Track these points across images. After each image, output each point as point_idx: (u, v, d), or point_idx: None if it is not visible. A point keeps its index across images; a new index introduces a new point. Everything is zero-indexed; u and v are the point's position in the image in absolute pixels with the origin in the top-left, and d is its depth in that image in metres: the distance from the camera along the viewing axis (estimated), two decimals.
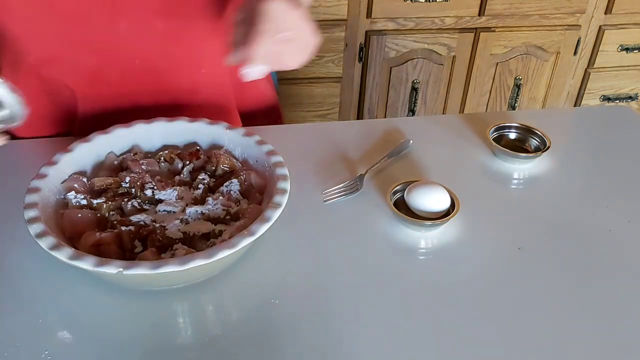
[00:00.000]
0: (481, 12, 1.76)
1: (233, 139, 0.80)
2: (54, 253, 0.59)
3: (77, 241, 0.65)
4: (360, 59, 1.80)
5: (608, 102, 2.03)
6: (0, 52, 0.85)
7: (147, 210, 0.70)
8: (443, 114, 1.94)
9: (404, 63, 1.81)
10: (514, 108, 1.95)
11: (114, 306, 0.64)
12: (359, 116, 1.92)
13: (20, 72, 0.85)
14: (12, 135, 0.64)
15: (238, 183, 0.73)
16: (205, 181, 0.74)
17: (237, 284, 0.67)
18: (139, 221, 0.67)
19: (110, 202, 0.70)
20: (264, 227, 0.62)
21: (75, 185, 0.72)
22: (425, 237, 0.74)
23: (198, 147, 0.80)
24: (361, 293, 0.66)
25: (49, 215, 0.66)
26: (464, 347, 0.60)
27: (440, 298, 0.65)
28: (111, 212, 0.69)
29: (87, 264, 0.58)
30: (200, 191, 0.72)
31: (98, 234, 0.65)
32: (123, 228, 0.65)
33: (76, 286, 0.65)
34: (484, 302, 0.65)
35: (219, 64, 0.91)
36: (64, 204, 0.70)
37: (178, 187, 0.72)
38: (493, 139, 0.87)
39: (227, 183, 0.73)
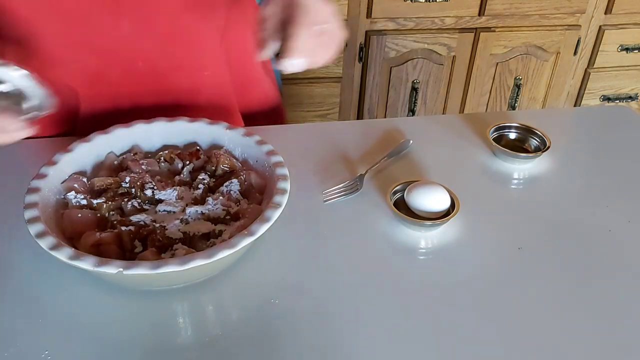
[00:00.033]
0: (481, 12, 1.76)
1: (233, 139, 0.80)
2: (54, 253, 0.59)
3: (77, 241, 0.65)
4: (360, 59, 1.80)
5: (608, 102, 2.03)
6: (3, 52, 0.85)
7: (147, 210, 0.70)
8: (443, 114, 1.94)
9: (404, 63, 1.81)
10: (514, 108, 1.95)
11: (114, 306, 0.64)
12: (359, 116, 1.92)
13: None
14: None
15: (238, 183, 0.73)
16: (205, 181, 0.74)
17: (237, 284, 0.67)
18: (139, 221, 0.67)
19: (110, 202, 0.70)
20: (264, 227, 0.62)
21: (75, 185, 0.72)
22: (425, 237, 0.74)
23: (198, 147, 0.80)
24: (361, 293, 0.66)
25: (49, 215, 0.66)
26: (464, 347, 0.60)
27: (440, 298, 0.65)
28: (111, 212, 0.70)
29: (87, 264, 0.58)
30: (200, 191, 0.72)
31: (98, 234, 0.65)
32: (123, 228, 0.65)
33: (76, 286, 0.65)
34: (484, 302, 0.65)
35: (220, 65, 0.92)
36: (64, 204, 0.70)
37: (178, 187, 0.72)
38: (493, 139, 0.87)
39: (227, 183, 0.73)
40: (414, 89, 1.86)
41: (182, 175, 0.76)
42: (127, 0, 0.80)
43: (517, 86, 1.91)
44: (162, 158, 0.78)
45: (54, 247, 0.59)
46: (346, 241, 0.73)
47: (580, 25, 1.85)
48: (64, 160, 0.73)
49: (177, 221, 0.67)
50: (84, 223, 0.67)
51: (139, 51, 0.84)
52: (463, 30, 1.78)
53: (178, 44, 0.86)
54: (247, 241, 0.61)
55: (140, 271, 0.58)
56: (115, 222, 0.67)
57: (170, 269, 0.57)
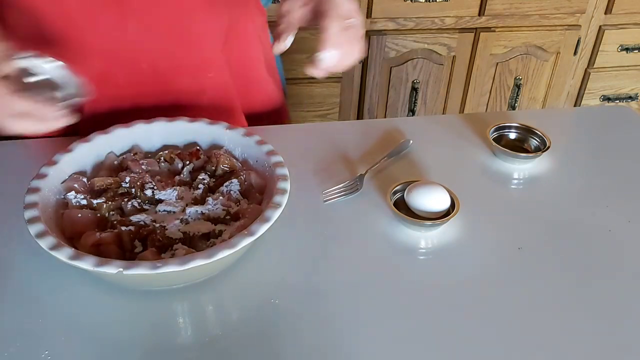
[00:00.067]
0: (481, 12, 1.76)
1: (233, 139, 0.80)
2: (54, 253, 0.59)
3: (77, 241, 0.65)
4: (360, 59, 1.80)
5: (608, 102, 2.03)
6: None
7: (147, 210, 0.70)
8: (443, 114, 1.94)
9: (404, 63, 1.81)
10: (514, 108, 1.95)
11: (114, 306, 0.64)
12: (359, 116, 1.92)
13: None
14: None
15: (238, 183, 0.73)
16: (205, 181, 0.74)
17: (237, 284, 0.67)
18: (139, 221, 0.67)
19: (110, 202, 0.70)
20: (264, 227, 0.62)
21: (75, 185, 0.72)
22: (425, 237, 0.74)
23: (198, 147, 0.80)
24: (361, 293, 0.66)
25: (49, 215, 0.66)
26: (464, 347, 0.60)
27: (440, 298, 0.65)
28: (111, 212, 0.69)
29: (87, 264, 0.58)
30: (200, 191, 0.72)
31: (98, 234, 0.65)
32: (123, 228, 0.65)
33: (76, 286, 0.65)
34: (484, 302, 0.65)
35: (224, 66, 0.92)
36: (64, 204, 0.70)
37: (178, 187, 0.72)
38: (493, 139, 0.87)
39: (227, 183, 0.73)
40: (414, 89, 1.86)
41: (182, 175, 0.76)
42: (132, 2, 0.80)
43: (517, 86, 1.91)
44: (162, 158, 0.78)
45: (54, 247, 0.59)
46: (346, 241, 0.73)
47: (580, 25, 1.85)
48: (64, 160, 0.73)
49: (177, 221, 0.67)
50: (84, 223, 0.67)
51: (143, 52, 0.84)
52: (463, 30, 1.78)
53: (182, 46, 0.85)
54: (247, 241, 0.61)
55: (140, 271, 0.58)
56: (115, 222, 0.67)
57: (170, 269, 0.57)
